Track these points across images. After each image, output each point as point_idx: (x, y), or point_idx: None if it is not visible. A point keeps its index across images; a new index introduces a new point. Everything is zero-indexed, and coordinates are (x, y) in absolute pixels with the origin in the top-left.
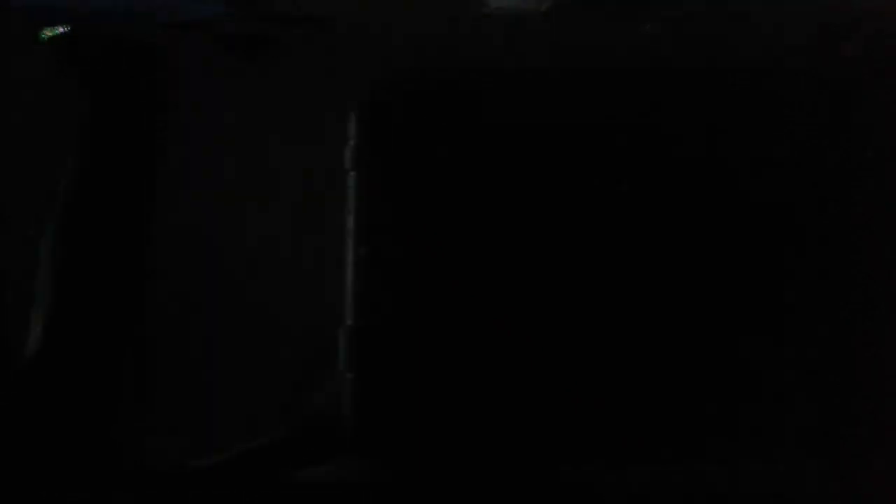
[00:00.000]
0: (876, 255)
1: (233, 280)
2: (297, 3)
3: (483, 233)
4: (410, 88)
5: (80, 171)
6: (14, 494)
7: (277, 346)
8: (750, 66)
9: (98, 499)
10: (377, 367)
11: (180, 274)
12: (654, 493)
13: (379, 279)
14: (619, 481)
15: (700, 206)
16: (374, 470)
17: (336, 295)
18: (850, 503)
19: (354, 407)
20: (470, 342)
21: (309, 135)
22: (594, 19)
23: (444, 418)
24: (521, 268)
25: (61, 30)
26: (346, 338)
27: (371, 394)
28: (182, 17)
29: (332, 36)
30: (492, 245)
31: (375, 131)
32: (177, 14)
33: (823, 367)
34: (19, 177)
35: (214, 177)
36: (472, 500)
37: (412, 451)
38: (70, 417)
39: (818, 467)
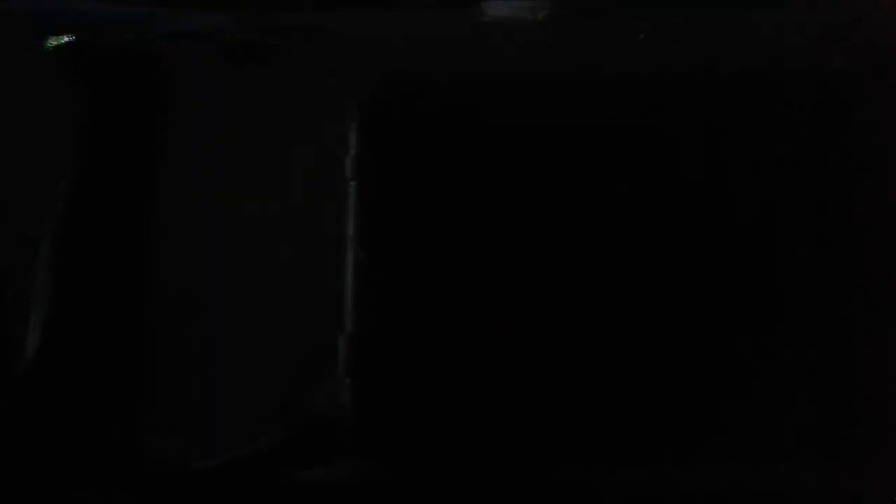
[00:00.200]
0: (876, 255)
1: (232, 283)
2: (298, 12)
3: (484, 240)
4: (410, 97)
5: (80, 175)
6: (14, 495)
7: (277, 348)
8: (749, 67)
9: (97, 499)
10: (376, 372)
11: (180, 278)
12: (654, 493)
13: (379, 286)
14: (619, 481)
15: (700, 207)
16: (374, 471)
17: (336, 301)
18: (850, 503)
19: (353, 410)
20: (469, 346)
21: (309, 143)
22: (592, 27)
23: (445, 421)
24: (521, 273)
25: (66, 39)
26: (346, 344)
27: (370, 397)
28: (183, 26)
29: (330, 45)
30: (492, 252)
31: (376, 141)
32: (177, 23)
33: (823, 367)
34: (19, 178)
35: (214, 183)
36: (472, 502)
37: (412, 453)
38: (69, 418)
39: (818, 467)
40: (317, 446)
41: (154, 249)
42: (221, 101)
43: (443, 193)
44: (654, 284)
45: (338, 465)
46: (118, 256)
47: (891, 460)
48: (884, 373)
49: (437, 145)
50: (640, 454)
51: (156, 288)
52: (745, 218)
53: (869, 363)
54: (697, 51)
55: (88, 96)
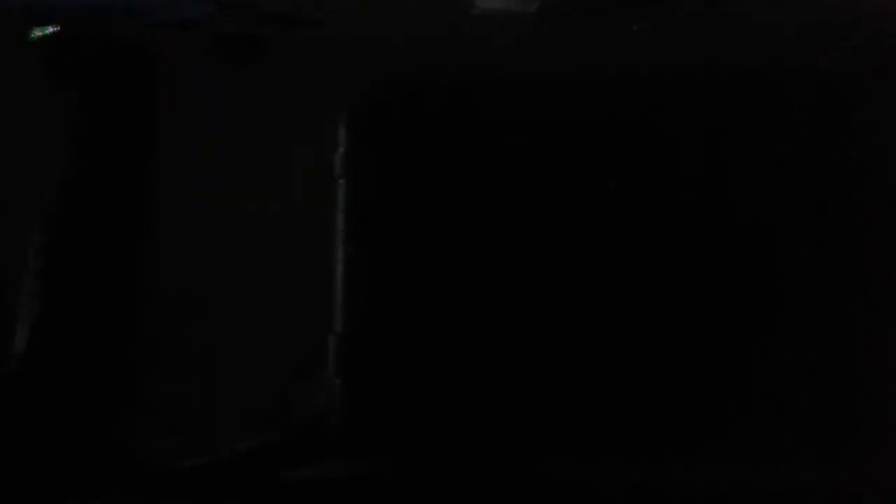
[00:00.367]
0: (876, 254)
1: (225, 283)
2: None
3: (474, 239)
4: (400, 94)
5: (72, 172)
6: (13, 495)
7: (267, 348)
8: (749, 66)
9: (94, 499)
10: (366, 372)
11: (172, 277)
12: (655, 492)
13: (368, 286)
14: (619, 480)
15: (699, 206)
16: (364, 469)
17: (326, 301)
18: (850, 503)
19: (344, 410)
20: (461, 345)
21: (299, 139)
22: (584, 19)
23: (435, 419)
24: (513, 271)
25: (51, 29)
26: (336, 344)
27: (360, 397)
28: (172, 17)
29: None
30: (483, 251)
31: (365, 138)
32: (167, 14)
33: (823, 367)
34: (12, 177)
35: (204, 178)
36: (463, 501)
37: (402, 451)
38: (61, 418)
39: (818, 467)
40: (307, 445)
41: (147, 250)
42: (211, 93)
43: (432, 191)
44: (653, 283)
45: (328, 463)
46: (108, 255)
47: (891, 460)
48: (884, 373)
49: (426, 142)
50: (640, 453)
51: (144, 287)
52: (744, 218)
53: (869, 363)
54: (697, 51)
55: (78, 91)
